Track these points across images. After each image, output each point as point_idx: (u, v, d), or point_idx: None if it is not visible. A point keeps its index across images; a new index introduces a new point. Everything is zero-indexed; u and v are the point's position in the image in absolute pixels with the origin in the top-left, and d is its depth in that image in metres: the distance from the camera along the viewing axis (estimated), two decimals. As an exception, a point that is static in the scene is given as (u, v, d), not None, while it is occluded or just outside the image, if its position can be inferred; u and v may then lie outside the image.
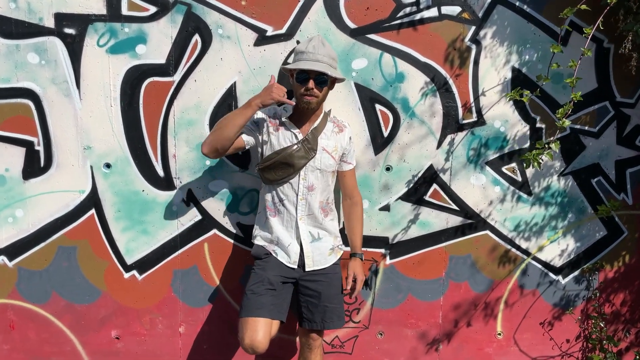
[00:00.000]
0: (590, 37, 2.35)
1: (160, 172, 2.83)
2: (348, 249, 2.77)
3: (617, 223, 2.97)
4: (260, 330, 2.33)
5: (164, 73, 2.72)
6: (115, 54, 2.69)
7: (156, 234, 2.89)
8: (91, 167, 2.80)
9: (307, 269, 2.50)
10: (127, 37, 2.67)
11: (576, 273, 3.03)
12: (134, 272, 2.94)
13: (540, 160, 2.36)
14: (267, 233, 2.56)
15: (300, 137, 2.45)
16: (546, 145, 2.35)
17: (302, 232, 2.50)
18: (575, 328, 3.09)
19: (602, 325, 3.03)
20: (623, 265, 3.02)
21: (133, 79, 2.72)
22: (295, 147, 2.43)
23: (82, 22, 2.64)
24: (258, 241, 2.58)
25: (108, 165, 2.81)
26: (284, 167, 2.45)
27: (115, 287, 2.95)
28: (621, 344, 3.10)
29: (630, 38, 2.46)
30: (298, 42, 2.67)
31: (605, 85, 2.81)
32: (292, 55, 2.49)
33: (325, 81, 2.35)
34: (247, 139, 2.49)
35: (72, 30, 2.65)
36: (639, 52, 2.51)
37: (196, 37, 2.69)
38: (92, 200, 2.84)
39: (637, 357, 2.86)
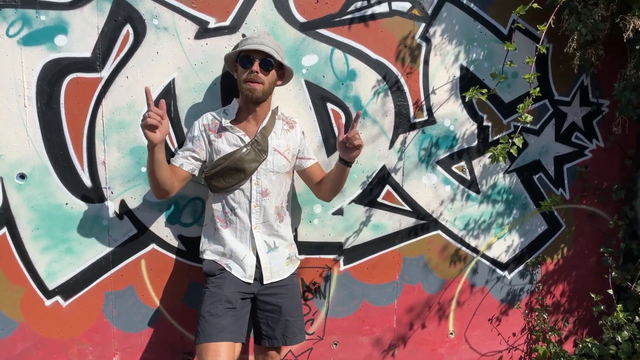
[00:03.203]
0: (543, 34, 2.37)
1: (88, 182, 2.48)
2: (303, 257, 2.62)
3: (556, 217, 3.07)
4: (224, 356, 2.09)
5: (90, 68, 2.38)
6: (29, 46, 2.31)
7: (83, 253, 2.53)
8: (1, 178, 2.39)
9: (265, 282, 2.29)
10: (44, 27, 2.30)
11: (521, 268, 3.09)
12: (57, 298, 2.55)
13: (506, 156, 2.35)
14: (218, 246, 2.32)
15: (247, 139, 2.25)
16: (510, 141, 2.34)
17: (257, 242, 2.29)
18: (520, 321, 3.16)
19: (545, 316, 3.12)
20: (562, 257, 3.13)
21: (52, 75, 2.35)
22: (245, 150, 2.23)
23: (-13, 7, 2.24)
24: (208, 255, 2.33)
25: (22, 176, 2.41)
26: (233, 173, 2.24)
27: (35, 316, 2.55)
28: (561, 332, 3.22)
29: (575, 37, 2.52)
30: (243, 35, 2.46)
31: (544, 84, 2.89)
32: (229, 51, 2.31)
33: (270, 64, 2.20)
34: (190, 167, 2.29)
35: (-27, 17, 2.23)
36: (582, 50, 2.59)
37: (127, 28, 2.38)
38: (4, 217, 2.43)
39: (580, 345, 2.98)
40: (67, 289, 2.55)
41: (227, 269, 2.29)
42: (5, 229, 2.43)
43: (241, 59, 2.20)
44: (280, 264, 2.36)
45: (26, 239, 2.46)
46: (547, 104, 2.92)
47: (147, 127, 1.97)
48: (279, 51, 2.25)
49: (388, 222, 2.84)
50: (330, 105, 2.64)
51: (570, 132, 2.99)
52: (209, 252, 2.35)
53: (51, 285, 2.53)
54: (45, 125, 2.38)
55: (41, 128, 2.38)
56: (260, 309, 2.34)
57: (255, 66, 2.17)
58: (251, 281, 2.28)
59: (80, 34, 2.34)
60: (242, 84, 2.21)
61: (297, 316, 2.39)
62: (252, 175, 2.27)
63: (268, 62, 2.19)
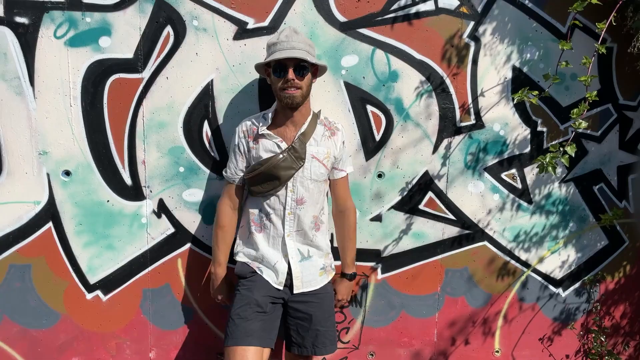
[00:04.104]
0: (603, 32, 2.17)
1: (128, 180, 2.53)
2: (339, 262, 2.54)
3: (618, 232, 2.82)
4: None
5: (132, 69, 2.42)
6: (75, 47, 2.37)
7: (123, 250, 2.59)
8: (48, 174, 2.48)
9: (295, 291, 2.24)
10: (89, 28, 2.37)
11: (577, 285, 2.86)
12: (98, 292, 2.62)
13: (556, 165, 2.16)
14: (251, 250, 2.29)
15: (283, 145, 2.19)
16: (561, 149, 2.16)
17: (290, 250, 2.24)
18: (575, 343, 2.93)
19: (602, 339, 2.87)
20: (624, 276, 2.87)
21: (96, 76, 2.41)
22: (281, 156, 2.16)
23: (37, 10, 2.33)
24: (240, 258, 2.31)
25: (67, 173, 2.49)
26: (268, 179, 2.18)
27: (77, 309, 2.63)
28: (620, 357, 2.95)
29: (639, 37, 2.29)
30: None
31: (607, 86, 2.65)
32: (265, 52, 2.22)
33: (305, 69, 2.11)
34: (236, 177, 2.30)
35: (24, 20, 2.33)
36: (649, 51, 2.35)
37: (168, 29, 2.40)
38: (49, 212, 2.52)
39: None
40: (107, 284, 2.62)
41: (259, 272, 2.25)
42: (50, 224, 2.52)
43: (274, 67, 2.11)
44: (313, 274, 2.29)
45: (70, 233, 2.55)
46: (610, 109, 2.68)
47: None
48: (310, 50, 2.15)
49: (430, 231, 2.71)
50: (370, 108, 2.55)
51: (637, 140, 2.73)
52: (241, 254, 2.33)
53: (92, 279, 2.61)
54: (89, 124, 2.45)
55: (85, 127, 2.45)
56: (291, 316, 2.29)
57: (291, 74, 2.08)
58: (281, 287, 2.24)
59: (123, 35, 2.38)
60: (279, 92, 2.13)
61: (329, 326, 2.31)
62: (288, 182, 2.20)
63: (302, 66, 2.10)
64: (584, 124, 2.13)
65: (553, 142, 2.61)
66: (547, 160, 2.13)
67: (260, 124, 2.22)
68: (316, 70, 2.24)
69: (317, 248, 2.30)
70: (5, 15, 2.31)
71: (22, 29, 2.33)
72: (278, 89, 2.12)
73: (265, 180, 2.19)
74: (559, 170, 2.70)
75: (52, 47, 2.36)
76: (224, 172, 2.33)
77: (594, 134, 2.70)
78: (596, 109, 2.66)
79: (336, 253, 2.52)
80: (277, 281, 2.23)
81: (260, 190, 2.22)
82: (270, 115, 2.24)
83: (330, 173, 2.32)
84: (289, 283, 2.24)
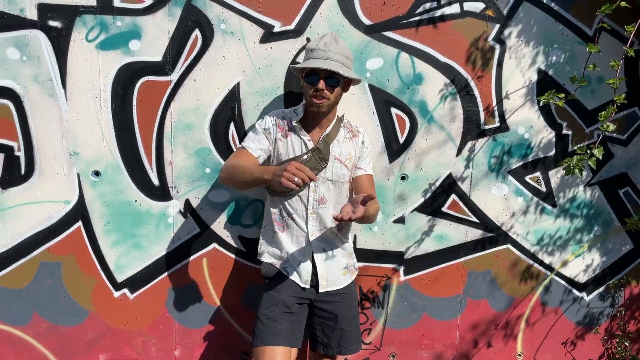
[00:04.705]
0: (632, 35, 2.16)
1: (155, 181, 2.57)
2: (362, 264, 2.56)
3: (644, 236, 2.80)
4: None
5: (160, 72, 2.47)
6: (105, 50, 2.42)
7: (150, 249, 2.63)
8: (78, 175, 2.54)
9: (321, 290, 2.26)
10: (120, 32, 2.41)
11: (601, 289, 2.84)
12: (125, 290, 2.67)
13: (582, 168, 2.16)
14: (275, 249, 2.31)
15: (310, 145, 2.22)
16: (588, 151, 2.15)
17: (314, 249, 2.26)
18: (598, 347, 2.91)
19: (626, 344, 2.85)
20: (649, 280, 2.85)
21: (125, 78, 2.46)
22: (305, 157, 2.19)
23: (69, 14, 2.38)
24: (266, 258, 2.33)
25: (97, 173, 2.54)
26: None
27: (104, 306, 2.68)
28: (646, 364, 2.93)
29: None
30: (308, 39, 2.45)
31: (634, 90, 2.63)
32: (303, 54, 2.23)
33: (337, 82, 2.12)
34: (259, 153, 2.22)
35: (57, 23, 2.38)
36: (678, 54, 2.33)
37: (196, 33, 2.44)
38: (79, 212, 2.57)
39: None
40: (134, 283, 2.67)
41: (285, 273, 2.28)
42: (80, 223, 2.58)
43: (306, 74, 2.13)
44: (336, 273, 2.31)
45: (98, 232, 2.60)
46: (636, 112, 2.66)
47: (278, 181, 1.84)
48: (346, 62, 2.14)
49: (453, 233, 2.71)
50: (394, 110, 2.56)
51: (664, 143, 2.71)
52: (266, 254, 2.35)
53: (120, 277, 2.66)
54: (118, 126, 2.50)
55: (115, 128, 2.50)
56: (316, 316, 2.31)
57: (321, 84, 2.09)
58: (307, 287, 2.26)
59: (153, 38, 2.43)
60: (308, 99, 2.16)
61: (354, 326, 2.34)
62: (310, 182, 2.23)
63: (334, 78, 2.11)
64: (611, 127, 2.12)
65: (580, 145, 2.59)
66: (574, 162, 2.13)
67: (292, 117, 2.25)
68: (349, 82, 2.25)
69: (341, 247, 2.32)
70: (39, 19, 2.37)
71: (55, 32, 2.39)
72: (308, 95, 2.16)
73: None
74: (584, 173, 2.69)
75: (83, 50, 2.41)
76: (243, 143, 2.25)
77: (620, 137, 2.68)
78: (622, 112, 2.64)
79: (358, 253, 2.55)
80: (302, 281, 2.25)
81: (283, 190, 2.23)
82: (301, 110, 2.26)
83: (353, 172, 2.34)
84: (314, 283, 2.27)
